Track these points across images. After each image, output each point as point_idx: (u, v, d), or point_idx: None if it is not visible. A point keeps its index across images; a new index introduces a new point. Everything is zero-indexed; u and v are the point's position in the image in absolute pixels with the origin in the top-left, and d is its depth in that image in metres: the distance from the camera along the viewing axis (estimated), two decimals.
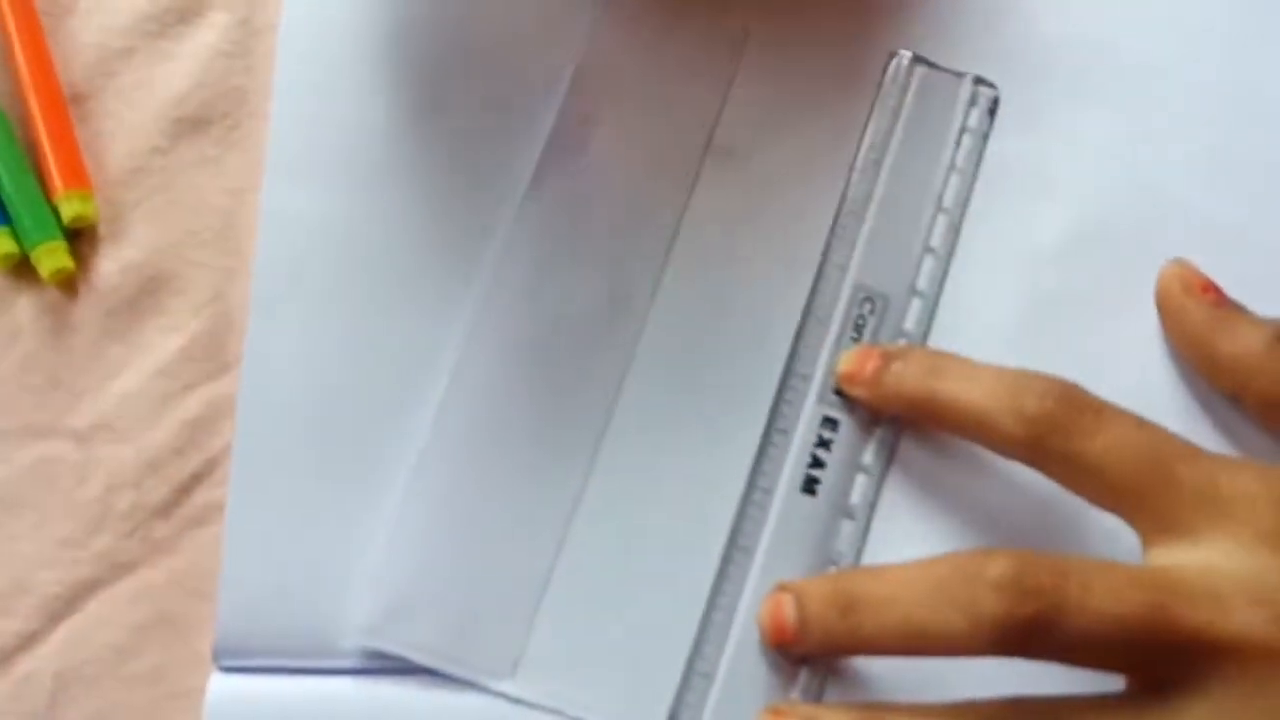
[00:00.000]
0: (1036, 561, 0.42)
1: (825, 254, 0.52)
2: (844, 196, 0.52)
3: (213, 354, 0.52)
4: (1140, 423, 0.45)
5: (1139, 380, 0.50)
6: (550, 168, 0.52)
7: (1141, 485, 0.44)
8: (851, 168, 0.52)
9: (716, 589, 0.48)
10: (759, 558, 0.49)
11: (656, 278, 0.51)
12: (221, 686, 0.48)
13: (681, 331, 0.51)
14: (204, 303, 0.52)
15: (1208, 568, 0.43)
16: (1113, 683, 0.43)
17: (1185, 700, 0.41)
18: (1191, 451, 0.45)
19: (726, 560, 0.49)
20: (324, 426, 0.50)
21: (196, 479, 0.51)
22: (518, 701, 0.47)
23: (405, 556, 0.48)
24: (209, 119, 0.54)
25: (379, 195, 0.52)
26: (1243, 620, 0.41)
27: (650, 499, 0.49)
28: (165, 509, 0.50)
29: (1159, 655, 0.41)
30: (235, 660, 0.48)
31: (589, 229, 0.51)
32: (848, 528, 0.49)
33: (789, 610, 0.47)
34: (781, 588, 0.47)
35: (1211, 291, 0.50)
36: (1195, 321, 0.50)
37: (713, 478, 0.49)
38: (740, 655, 0.48)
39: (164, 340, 0.52)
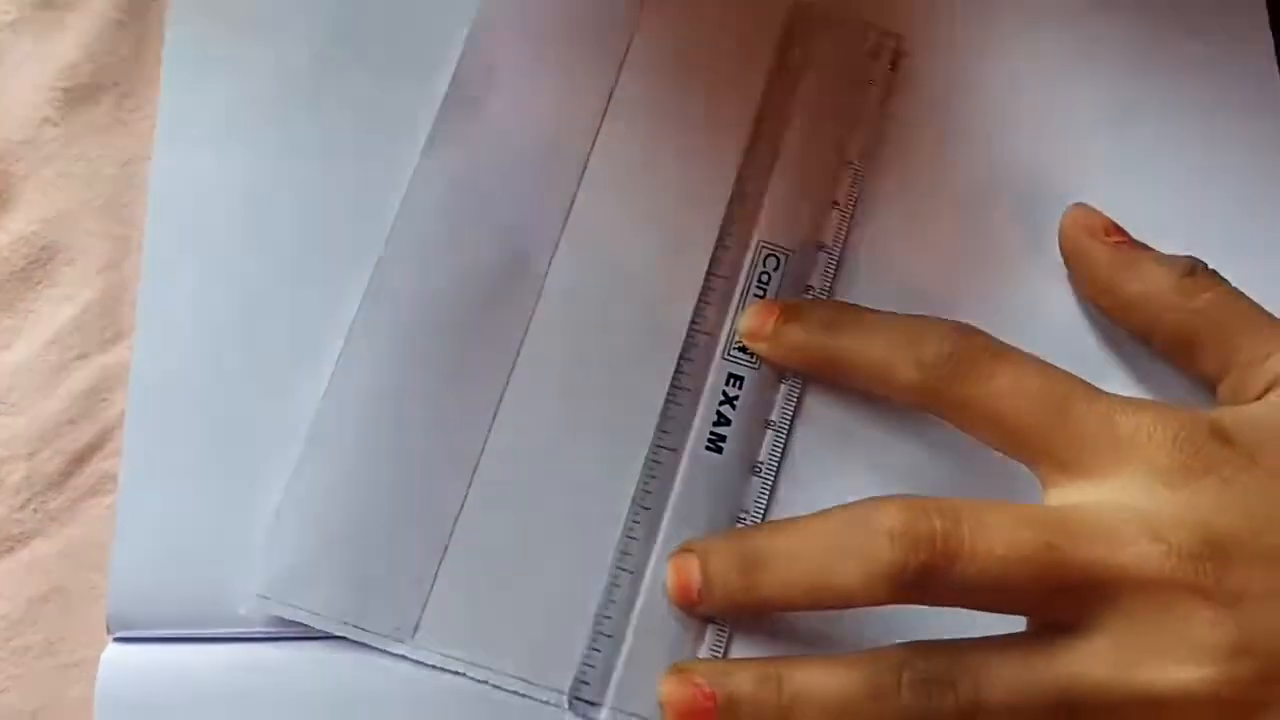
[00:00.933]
0: (927, 507, 0.42)
1: (728, 210, 0.51)
2: (747, 152, 0.52)
3: (106, 323, 0.51)
4: (1037, 364, 0.45)
5: (1046, 326, 0.51)
6: (447, 127, 0.51)
7: (1039, 427, 0.44)
8: (755, 122, 0.52)
9: (622, 549, 0.48)
10: (665, 517, 0.49)
11: (556, 235, 0.51)
12: (115, 656, 0.47)
13: (583, 290, 0.50)
14: (96, 272, 0.51)
15: (1104, 505, 0.43)
16: (1016, 625, 0.43)
17: (1084, 637, 0.42)
18: (1089, 391, 0.45)
19: (632, 520, 0.48)
20: (218, 393, 0.49)
21: (91, 449, 0.50)
22: (418, 664, 0.47)
23: (300, 521, 0.48)
24: (100, 89, 0.53)
25: (272, 160, 0.51)
26: (1138, 555, 0.41)
27: (552, 459, 0.49)
28: (59, 480, 0.50)
29: (1056, 594, 0.42)
30: (129, 630, 0.47)
31: (488, 188, 0.51)
32: (755, 485, 0.49)
33: (693, 570, 0.47)
34: (686, 548, 0.48)
35: (1115, 233, 0.50)
36: (1100, 263, 0.50)
37: (617, 437, 0.49)
38: (647, 616, 0.48)
39: (55, 310, 0.51)
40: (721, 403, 0.50)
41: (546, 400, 0.49)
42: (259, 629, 0.47)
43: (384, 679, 0.47)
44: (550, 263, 0.50)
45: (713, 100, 0.52)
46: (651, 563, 0.48)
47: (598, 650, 0.47)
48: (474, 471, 0.49)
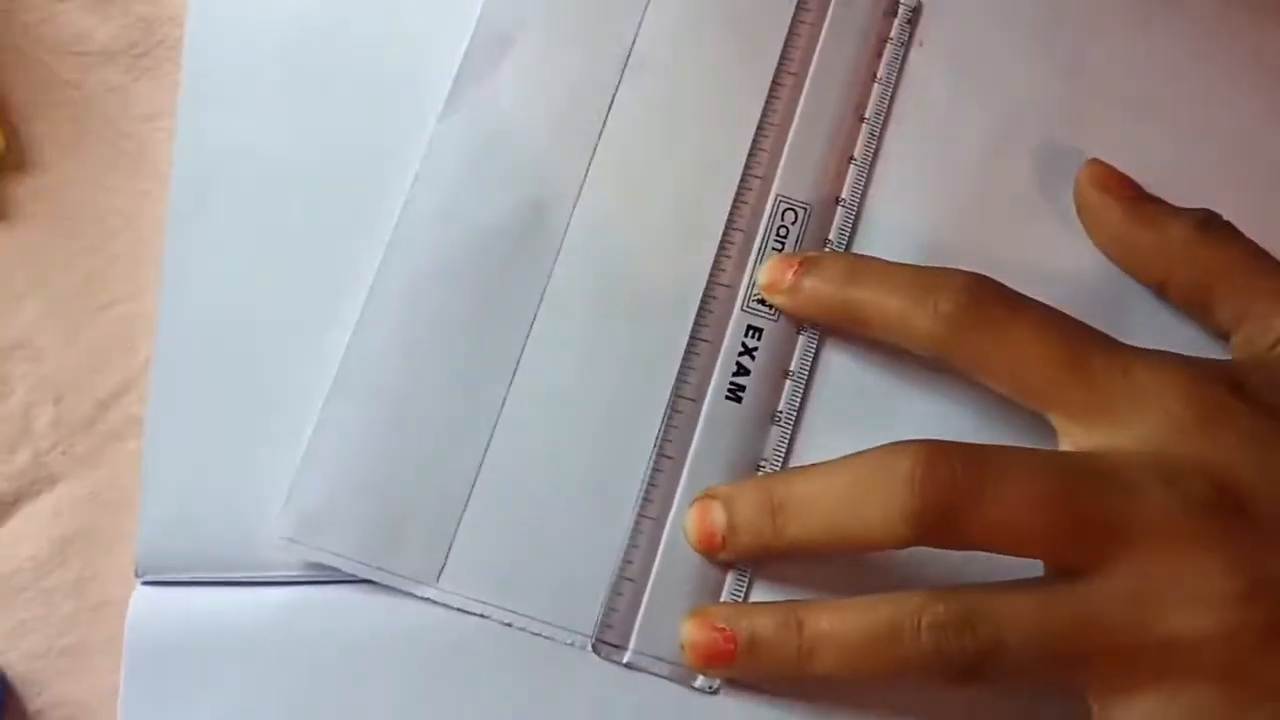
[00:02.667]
0: (948, 450, 0.43)
1: (746, 165, 0.51)
2: (765, 108, 0.52)
3: (130, 275, 0.52)
4: (1053, 314, 0.46)
5: (1062, 279, 0.51)
6: (468, 82, 0.52)
7: (1054, 376, 0.45)
8: (772, 79, 0.52)
9: (644, 496, 0.49)
10: (686, 465, 0.49)
11: (575, 192, 0.51)
12: (144, 599, 0.48)
13: (601, 244, 0.51)
14: (120, 226, 0.52)
15: (1120, 453, 0.43)
16: (1033, 572, 0.44)
17: (1101, 581, 0.42)
18: (1104, 341, 0.45)
19: (654, 468, 0.49)
20: (243, 341, 0.50)
21: (117, 394, 0.51)
22: (443, 606, 0.48)
23: (326, 465, 0.48)
24: (116, 49, 0.54)
25: (294, 115, 0.52)
26: (1155, 502, 0.42)
27: (574, 407, 0.49)
28: (86, 424, 0.51)
29: (1073, 538, 0.42)
30: (157, 574, 0.48)
31: (508, 142, 0.51)
32: (774, 433, 0.50)
33: (717, 516, 0.47)
34: (709, 494, 0.48)
35: (1129, 187, 0.50)
36: (1114, 217, 0.50)
37: (638, 387, 0.50)
38: (668, 561, 0.48)
39: (80, 262, 0.52)
40: (740, 354, 0.50)
41: (568, 349, 0.50)
42: (285, 572, 0.48)
43: (409, 622, 0.48)
44: (570, 217, 0.51)
45: (730, 57, 0.53)
46: (673, 509, 0.49)
47: (620, 594, 0.48)
48: (498, 417, 0.49)
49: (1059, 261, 0.52)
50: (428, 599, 0.48)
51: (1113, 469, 0.43)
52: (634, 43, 0.53)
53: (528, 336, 0.50)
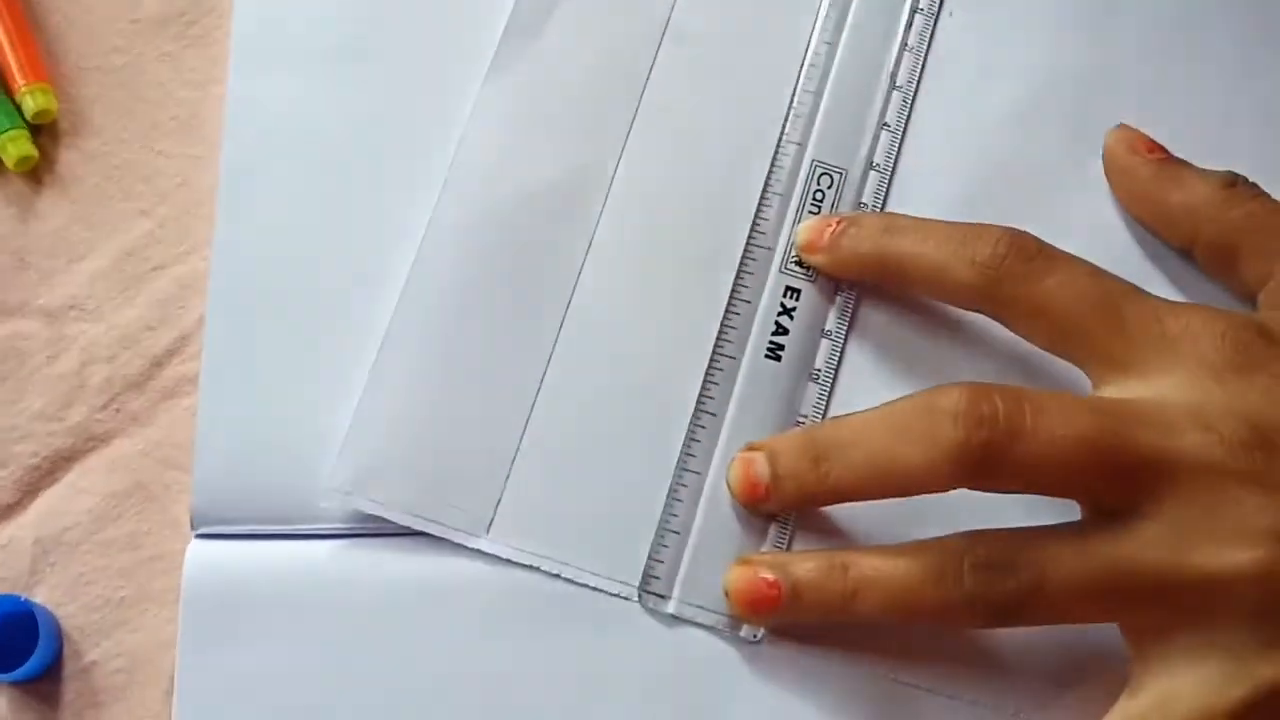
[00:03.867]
0: (990, 390, 0.43)
1: (782, 131, 0.53)
2: (799, 75, 0.53)
3: (181, 236, 0.53)
4: (1088, 266, 0.46)
5: (1092, 241, 0.49)
6: (511, 49, 0.53)
7: (1089, 325, 0.46)
8: (806, 47, 0.54)
9: (686, 450, 0.49)
10: (727, 421, 0.50)
11: (617, 155, 0.52)
12: (199, 552, 0.49)
13: (642, 206, 0.52)
14: (171, 189, 0.53)
15: (1156, 398, 0.44)
16: (1069, 516, 0.45)
17: (1138, 523, 0.43)
18: (1138, 292, 0.46)
19: (696, 424, 0.50)
20: (294, 300, 0.51)
21: (170, 353, 0.52)
22: (493, 558, 0.48)
23: (378, 418, 0.49)
24: (166, 17, 0.55)
25: (343, 79, 0.53)
26: (1191, 443, 0.42)
27: (618, 364, 0.50)
28: (139, 382, 0.51)
29: (1112, 478, 0.43)
30: (212, 526, 0.49)
31: (552, 102, 0.52)
32: (812, 390, 0.50)
33: (760, 467, 0.48)
34: (751, 446, 0.49)
35: (1157, 150, 0.51)
36: (1143, 178, 0.51)
37: (680, 345, 0.50)
38: (711, 513, 0.49)
39: (131, 224, 0.53)
40: (779, 314, 0.51)
41: (611, 307, 0.51)
42: (338, 524, 0.49)
43: (460, 573, 0.48)
44: (613, 177, 0.52)
45: (766, 25, 0.54)
46: (714, 463, 0.49)
47: (665, 546, 0.48)
48: (544, 373, 0.50)
49: (1087, 224, 0.52)
50: (478, 550, 0.48)
51: (1150, 413, 0.43)
52: (672, 9, 0.54)
53: (573, 292, 0.51)
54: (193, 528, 0.49)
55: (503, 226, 0.51)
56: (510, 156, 0.52)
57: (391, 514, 0.48)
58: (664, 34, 0.53)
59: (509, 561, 0.48)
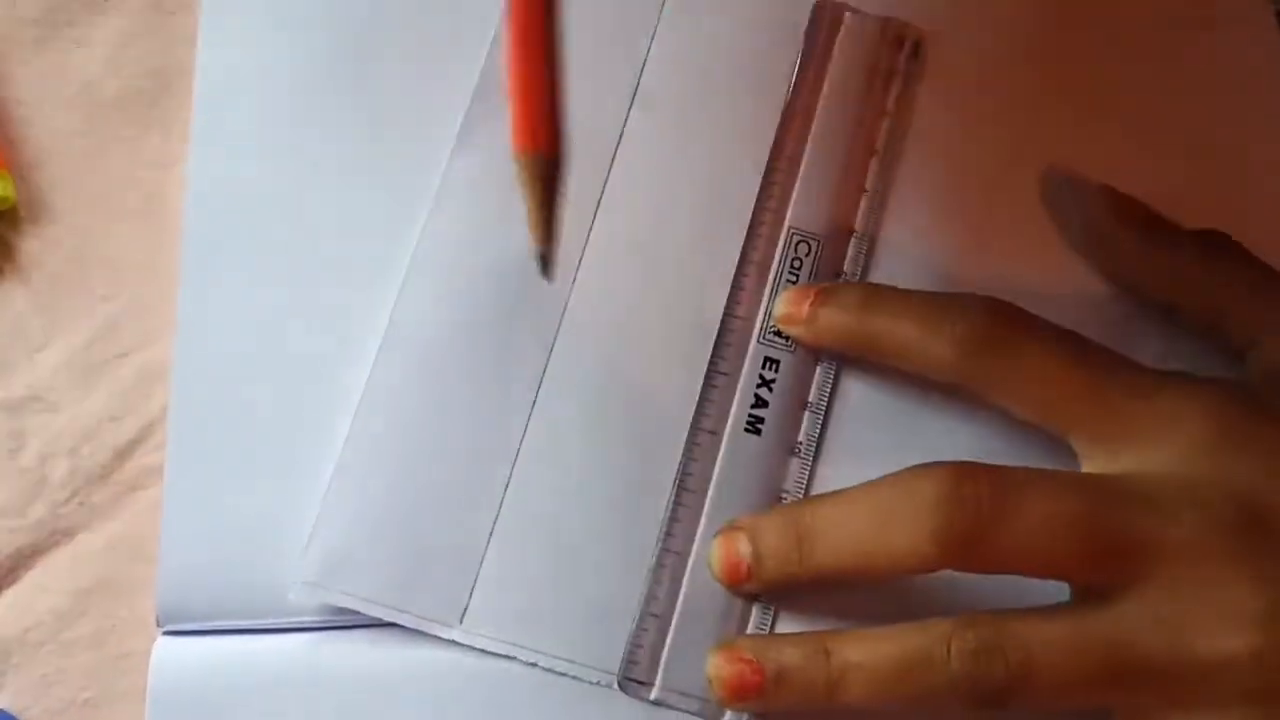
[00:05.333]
0: (973, 471, 0.43)
1: (759, 199, 0.52)
2: (776, 142, 0.52)
3: (144, 322, 0.51)
4: (1070, 336, 0.46)
5: (1075, 302, 0.51)
6: (477, 124, 0.52)
7: (1074, 399, 0.45)
8: (783, 113, 0.52)
9: (666, 530, 0.48)
10: (708, 498, 0.49)
11: (588, 225, 0.51)
12: (166, 649, 0.47)
13: (616, 276, 0.51)
14: (133, 274, 0.52)
15: (1144, 475, 0.43)
16: (1056, 596, 0.44)
17: (1128, 604, 0.42)
18: (1123, 362, 0.46)
19: (675, 502, 0.48)
20: (260, 386, 0.49)
21: (133, 444, 0.50)
22: (468, 647, 0.47)
23: (347, 508, 0.48)
24: (126, 99, 0.54)
25: (306, 159, 0.52)
26: (1181, 524, 0.42)
27: (592, 444, 0.49)
28: (103, 474, 0.50)
29: (1100, 559, 0.42)
30: (179, 623, 0.47)
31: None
32: (794, 465, 0.49)
33: (743, 547, 0.47)
34: (733, 525, 0.48)
35: (1136, 210, 0.50)
36: (1121, 244, 0.50)
37: (658, 421, 0.49)
38: (693, 595, 0.48)
39: (93, 310, 0.52)
40: (759, 386, 0.50)
41: (584, 386, 0.50)
42: (308, 618, 0.47)
43: (434, 663, 0.47)
44: (582, 252, 0.51)
45: (738, 90, 0.53)
46: (696, 543, 0.48)
47: (645, 630, 0.47)
48: (516, 457, 0.49)
49: (1070, 284, 0.52)
50: (452, 640, 0.47)
51: (1138, 490, 0.43)
52: (640, 76, 0.53)
53: (543, 374, 0.49)
54: (159, 625, 0.47)
55: (470, 306, 0.50)
56: (477, 234, 0.51)
57: (362, 606, 0.47)
58: (633, 100, 0.52)
59: (484, 651, 0.47)
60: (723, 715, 0.47)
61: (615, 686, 0.47)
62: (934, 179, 0.53)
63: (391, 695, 0.47)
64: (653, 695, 0.47)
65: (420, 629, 0.47)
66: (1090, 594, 0.43)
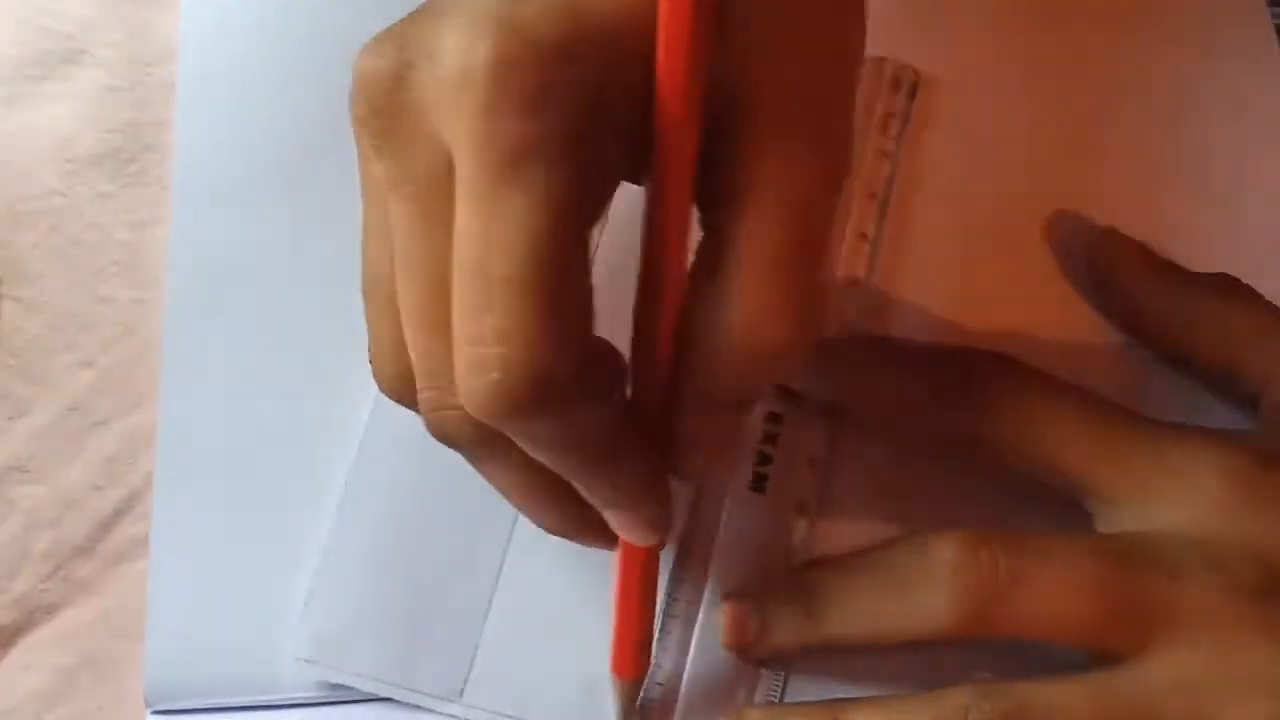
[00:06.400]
0: (988, 538, 0.42)
1: None
2: None
3: (127, 387, 0.50)
4: (1082, 395, 0.45)
5: (1081, 349, 0.50)
6: None
7: (1086, 461, 0.44)
8: None
9: (670, 594, 0.47)
10: (712, 560, 0.47)
11: None
12: None
13: None
14: (115, 337, 0.51)
15: (1160, 536, 0.43)
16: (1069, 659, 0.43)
17: (1148, 670, 0.41)
18: (1134, 421, 0.45)
19: (680, 566, 0.47)
20: (248, 455, 0.48)
21: (118, 514, 0.49)
22: None
23: (341, 581, 0.47)
24: (103, 156, 0.52)
25: (291, 213, 0.51)
26: (1199, 586, 0.41)
27: None
28: (87, 546, 0.49)
29: (1118, 624, 0.41)
30: (168, 703, 0.46)
31: None
32: (801, 524, 0.48)
33: (749, 613, 0.46)
34: (740, 593, 0.46)
35: (1145, 256, 0.50)
36: (1132, 293, 0.49)
37: None
38: (700, 662, 0.46)
39: (75, 376, 0.50)
40: (762, 441, 0.48)
41: None
42: (302, 694, 0.46)
43: None
44: None
45: None
46: (702, 606, 0.47)
47: (654, 699, 0.46)
48: (513, 526, 0.47)
49: (1077, 330, 0.51)
50: (452, 716, 0.46)
51: (1155, 552, 0.42)
52: None
53: None
54: (148, 705, 0.46)
55: None
56: None
57: (361, 683, 0.46)
58: None
59: None
60: None
61: None
62: (933, 223, 0.52)
63: None
64: None
65: (419, 705, 0.46)
66: (1107, 659, 0.42)
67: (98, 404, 0.50)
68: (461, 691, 0.46)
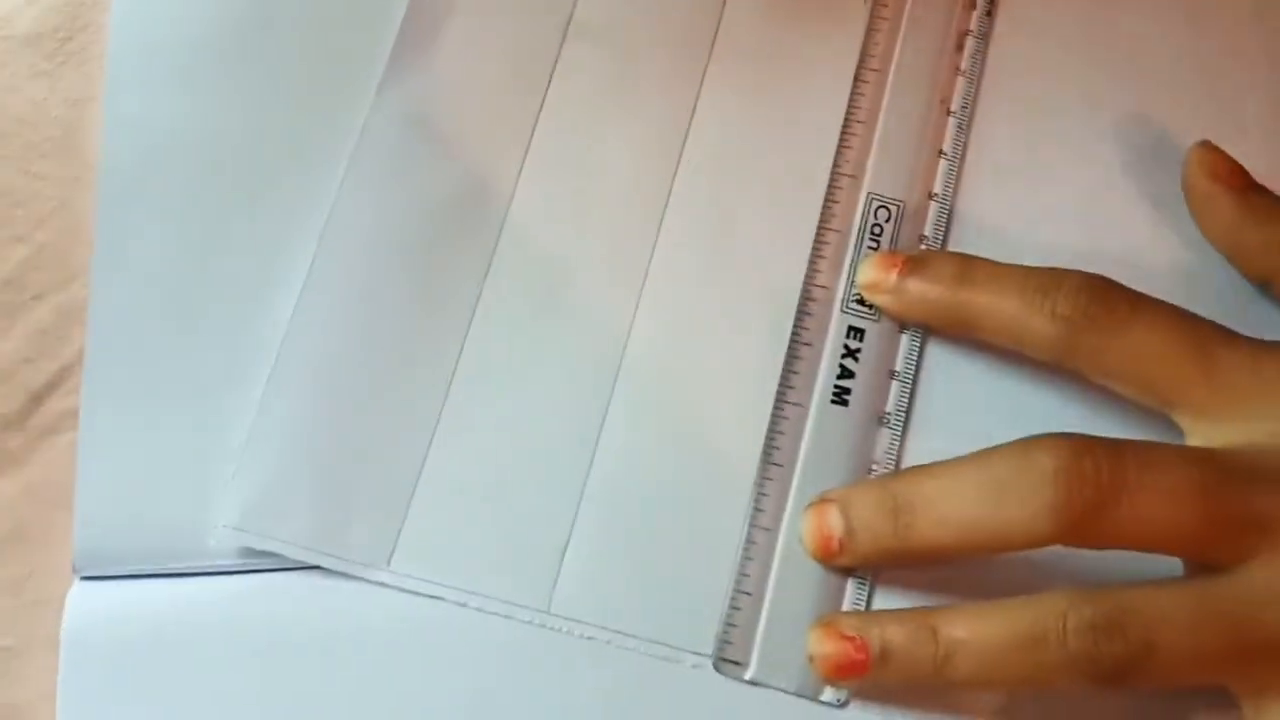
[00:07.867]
0: (1091, 444, 0.41)
1: (835, 164, 0.50)
2: (850, 108, 0.50)
3: (61, 263, 0.50)
4: (1173, 310, 0.44)
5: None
6: (404, 54, 0.51)
7: (1181, 374, 0.44)
8: (855, 77, 0.50)
9: (755, 506, 0.46)
10: (796, 472, 0.46)
11: (519, 162, 0.50)
12: (82, 595, 0.46)
13: (545, 221, 0.49)
14: (49, 213, 0.50)
15: (1254, 447, 0.42)
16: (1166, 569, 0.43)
17: (1250, 578, 0.41)
18: (1227, 335, 0.44)
19: (763, 477, 0.46)
20: (179, 327, 0.48)
21: (50, 387, 0.49)
22: (396, 589, 0.45)
23: (269, 449, 0.47)
24: (40, 34, 0.52)
25: (226, 97, 0.51)
26: None
27: (519, 388, 0.48)
28: (18, 419, 0.49)
29: (1220, 534, 0.41)
30: (96, 569, 0.46)
31: (447, 114, 0.50)
32: (884, 436, 0.47)
33: (834, 520, 0.44)
34: (824, 498, 0.45)
35: (1238, 176, 0.48)
36: (1224, 209, 0.48)
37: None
38: (786, 571, 0.45)
39: (8, 252, 0.50)
40: (844, 355, 0.47)
41: (518, 314, 0.48)
42: (228, 562, 0.46)
43: (362, 607, 0.45)
44: (514, 192, 0.49)
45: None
46: (786, 518, 0.46)
47: (738, 609, 0.45)
48: (447, 392, 0.47)
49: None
50: (380, 583, 0.45)
51: (1257, 463, 0.42)
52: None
53: (472, 315, 0.48)
54: (75, 570, 0.46)
55: (396, 245, 0.49)
56: (404, 170, 0.50)
57: (286, 549, 0.46)
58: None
59: (413, 593, 0.46)
60: (822, 692, 0.45)
61: (711, 667, 0.45)
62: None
63: (316, 640, 0.45)
64: (749, 675, 0.45)
65: (347, 572, 0.45)
66: (1207, 568, 0.42)
67: (31, 279, 0.50)
68: (389, 559, 0.46)
